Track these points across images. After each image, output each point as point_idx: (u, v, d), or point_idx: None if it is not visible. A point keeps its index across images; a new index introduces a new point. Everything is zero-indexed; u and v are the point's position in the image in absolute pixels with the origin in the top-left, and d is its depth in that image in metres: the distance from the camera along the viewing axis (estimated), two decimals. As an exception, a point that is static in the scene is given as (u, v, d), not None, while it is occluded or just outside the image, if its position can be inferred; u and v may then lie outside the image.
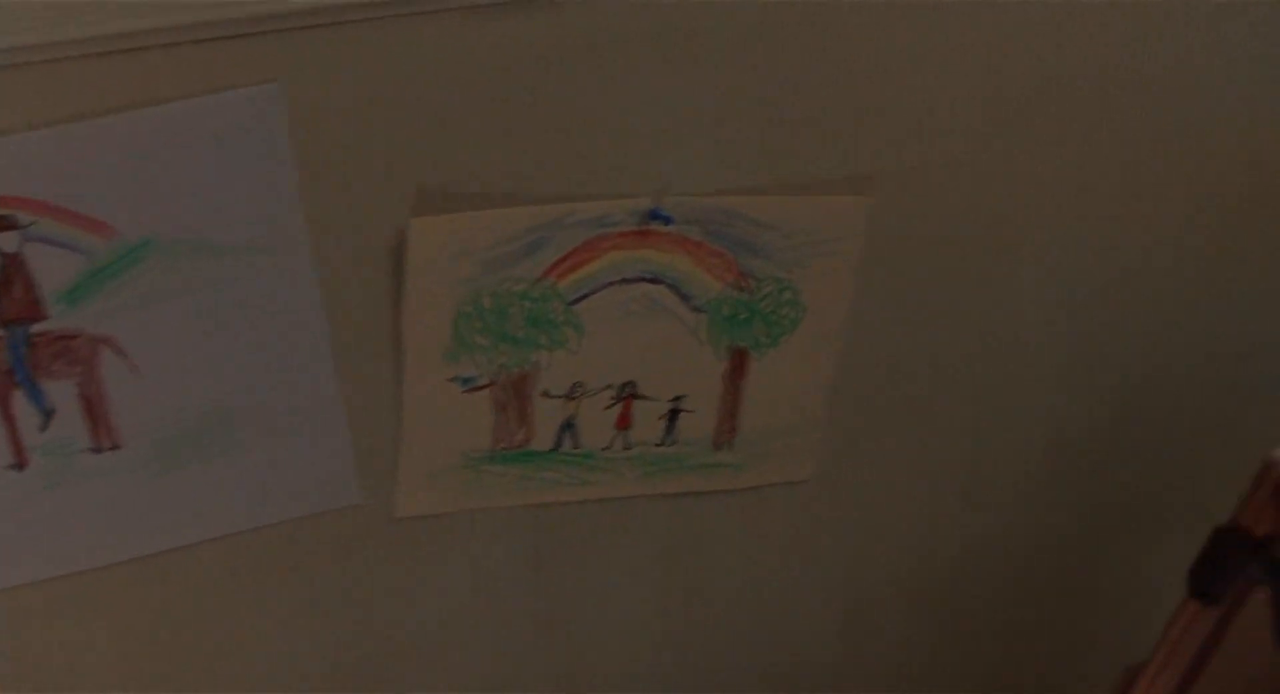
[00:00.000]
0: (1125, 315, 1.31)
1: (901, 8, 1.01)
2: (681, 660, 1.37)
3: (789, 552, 1.33)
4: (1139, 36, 1.10)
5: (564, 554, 1.22)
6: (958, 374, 1.27)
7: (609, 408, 1.12)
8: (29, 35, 0.82)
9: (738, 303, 1.10)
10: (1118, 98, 1.13)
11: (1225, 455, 1.50)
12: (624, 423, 1.14)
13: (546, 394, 1.10)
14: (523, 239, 1.00)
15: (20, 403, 0.97)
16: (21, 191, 0.88)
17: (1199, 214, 1.26)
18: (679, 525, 1.24)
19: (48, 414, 0.98)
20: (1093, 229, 1.22)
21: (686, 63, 0.98)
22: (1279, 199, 1.29)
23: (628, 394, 1.12)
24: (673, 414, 1.14)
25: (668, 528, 1.24)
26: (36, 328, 0.94)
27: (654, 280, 1.06)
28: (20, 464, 1.00)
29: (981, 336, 1.25)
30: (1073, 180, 1.17)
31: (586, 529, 1.21)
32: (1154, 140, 1.18)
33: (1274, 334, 1.42)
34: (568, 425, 1.12)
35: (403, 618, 1.20)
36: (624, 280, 1.06)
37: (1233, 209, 1.28)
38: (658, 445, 1.16)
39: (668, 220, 1.03)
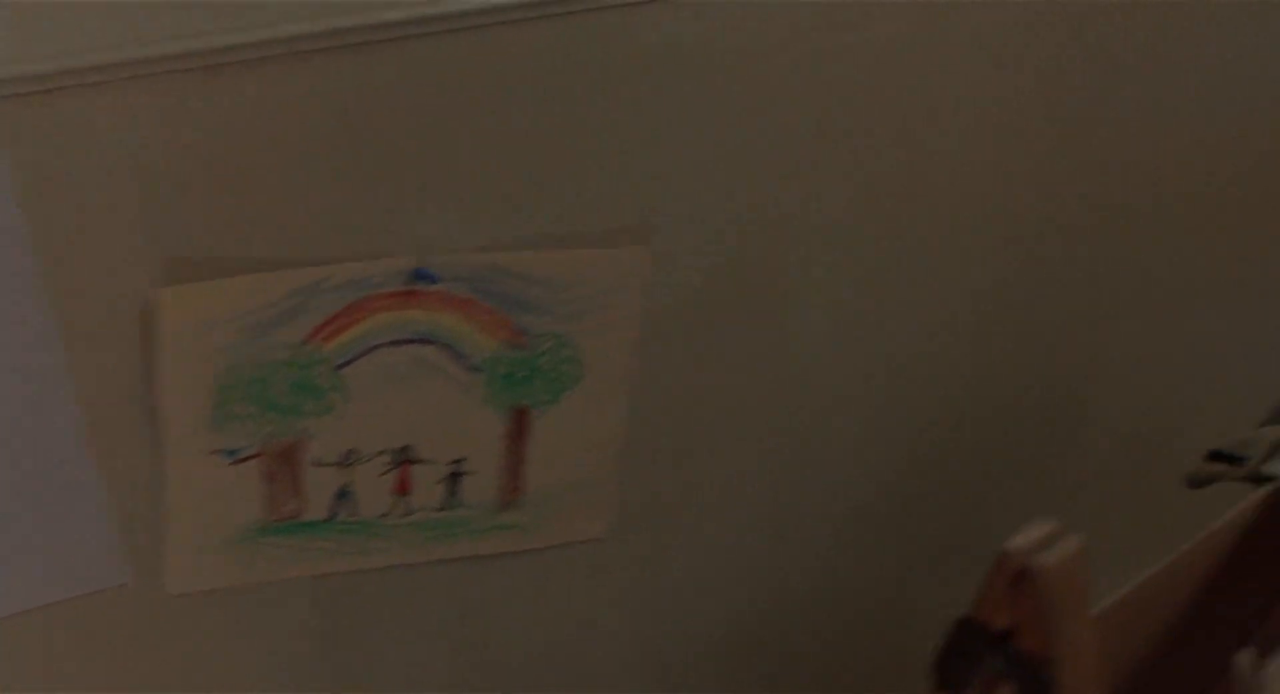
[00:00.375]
0: (924, 363, 1.32)
1: (664, 58, 1.00)
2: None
3: (589, 611, 1.30)
4: (915, 68, 1.11)
5: (353, 624, 1.18)
6: (754, 425, 1.26)
7: (385, 474, 1.09)
8: None
9: (515, 360, 1.08)
10: (893, 128, 1.13)
11: (1029, 508, 1.52)
12: (402, 488, 1.11)
13: (318, 462, 1.06)
14: (280, 304, 0.97)
15: None
16: None
17: (990, 260, 1.27)
18: (470, 590, 1.22)
19: None
20: (880, 278, 1.22)
21: (443, 116, 0.96)
22: (1071, 242, 1.30)
23: (404, 459, 1.09)
24: (453, 477, 1.12)
25: (458, 593, 1.21)
26: None
27: (425, 341, 1.04)
28: None
29: (776, 386, 1.25)
30: (854, 225, 1.17)
31: (373, 598, 1.17)
32: (940, 183, 1.18)
33: (1067, 386, 1.44)
34: (343, 494, 1.09)
35: (188, 700, 1.16)
36: (394, 342, 1.03)
37: (1023, 259, 1.29)
38: (439, 510, 1.13)
39: (433, 279, 1.01)
